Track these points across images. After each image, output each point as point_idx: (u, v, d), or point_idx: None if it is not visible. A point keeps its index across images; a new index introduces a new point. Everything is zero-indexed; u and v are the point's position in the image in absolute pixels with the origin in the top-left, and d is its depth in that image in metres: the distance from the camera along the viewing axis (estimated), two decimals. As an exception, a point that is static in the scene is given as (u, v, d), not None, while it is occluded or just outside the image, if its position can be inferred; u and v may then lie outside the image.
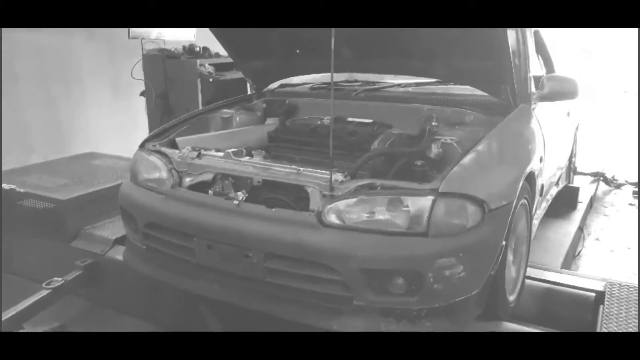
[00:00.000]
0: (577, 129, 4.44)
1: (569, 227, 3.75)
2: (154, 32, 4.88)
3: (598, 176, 5.34)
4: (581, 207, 4.24)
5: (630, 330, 2.15)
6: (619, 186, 5.52)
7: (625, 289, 2.47)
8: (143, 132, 4.91)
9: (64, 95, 4.93)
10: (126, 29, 4.62)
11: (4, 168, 3.82)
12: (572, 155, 4.33)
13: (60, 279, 2.79)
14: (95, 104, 5.11)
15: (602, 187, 5.47)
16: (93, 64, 5.07)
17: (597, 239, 4.14)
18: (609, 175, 5.60)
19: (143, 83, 4.84)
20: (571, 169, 4.46)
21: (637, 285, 2.49)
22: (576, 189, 4.33)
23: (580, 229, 3.95)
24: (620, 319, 2.23)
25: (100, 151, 4.26)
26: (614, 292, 2.43)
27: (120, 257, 2.72)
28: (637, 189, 5.33)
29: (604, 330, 2.14)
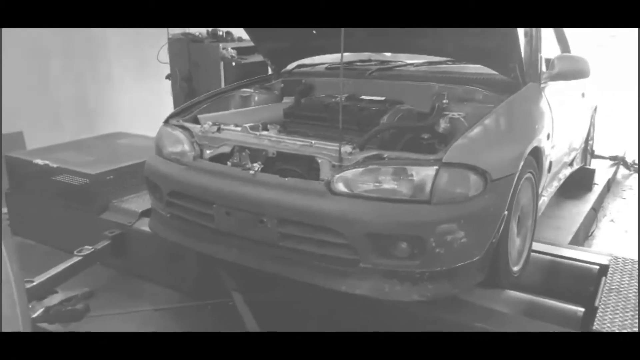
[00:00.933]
0: (594, 111, 4.45)
1: (582, 207, 3.80)
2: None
3: (618, 160, 5.32)
4: (597, 189, 4.27)
5: (630, 301, 2.22)
6: (638, 170, 5.49)
7: (630, 263, 2.53)
8: (168, 113, 5.10)
9: (92, 75, 5.13)
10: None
11: (35, 145, 4.03)
12: (588, 138, 4.35)
13: (90, 247, 2.98)
14: (121, 85, 5.30)
15: (623, 171, 5.45)
16: (120, 46, 5.24)
17: (612, 220, 4.17)
18: (629, 160, 5.58)
19: (168, 66, 5.00)
20: (587, 151, 4.48)
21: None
22: (592, 171, 4.35)
23: (594, 209, 3.98)
24: (621, 291, 2.30)
25: (127, 130, 4.46)
26: (617, 265, 2.50)
27: (145, 229, 2.90)
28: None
29: (603, 299, 2.23)
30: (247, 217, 2.15)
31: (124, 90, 5.29)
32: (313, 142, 2.18)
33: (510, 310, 2.23)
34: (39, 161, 3.51)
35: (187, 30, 5.17)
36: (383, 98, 2.68)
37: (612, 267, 2.48)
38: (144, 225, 2.98)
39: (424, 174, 1.94)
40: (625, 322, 2.06)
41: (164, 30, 4.97)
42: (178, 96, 5.03)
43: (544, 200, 2.93)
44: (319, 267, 2.07)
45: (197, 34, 5.07)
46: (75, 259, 2.88)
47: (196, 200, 2.32)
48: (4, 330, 1.45)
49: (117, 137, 4.24)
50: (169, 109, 5.09)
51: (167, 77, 5.09)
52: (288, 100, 3.02)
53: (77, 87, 5.01)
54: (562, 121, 2.91)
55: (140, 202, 3.31)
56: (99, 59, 5.16)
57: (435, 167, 1.94)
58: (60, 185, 3.41)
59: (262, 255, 2.19)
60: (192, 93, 4.95)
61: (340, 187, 2.01)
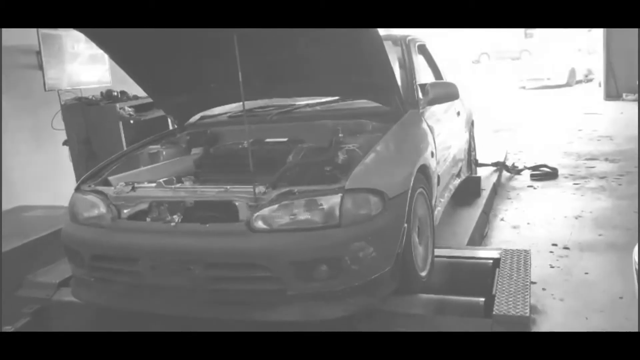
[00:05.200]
0: (472, 125, 5.02)
1: (474, 212, 4.27)
2: (68, 83, 5.01)
3: (499, 166, 5.97)
4: (485, 194, 4.79)
5: (520, 285, 2.57)
6: (519, 172, 6.18)
7: (516, 254, 2.92)
8: (70, 180, 5.00)
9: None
10: (41, 82, 4.73)
11: None
12: (470, 150, 4.89)
13: (10, 327, 2.89)
14: (15, 156, 5.07)
15: (505, 174, 6.12)
16: (11, 114, 5.04)
17: (502, 219, 4.68)
18: (509, 164, 6.28)
19: (64, 132, 4.93)
20: (471, 162, 5.02)
21: (525, 250, 2.95)
22: (478, 179, 4.89)
23: (485, 212, 4.47)
24: (512, 278, 2.66)
25: (30, 203, 4.33)
26: (507, 257, 2.88)
27: (66, 298, 2.87)
28: (535, 172, 5.99)
29: (499, 287, 2.57)
30: (173, 267, 2.26)
31: (18, 161, 5.09)
32: (228, 187, 2.35)
33: (423, 311, 2.49)
34: (-62, 246, 3.33)
35: (79, 92, 5.14)
36: (286, 139, 2.93)
37: (503, 259, 2.85)
38: (64, 296, 2.95)
39: (332, 202, 2.18)
40: (517, 304, 2.40)
41: (55, 96, 4.91)
42: (78, 161, 4.95)
43: (438, 210, 3.30)
44: (250, 303, 2.22)
45: (90, 97, 5.06)
46: (-6, 342, 2.78)
47: (120, 260, 2.39)
48: None
49: (20, 211, 4.12)
50: (70, 175, 5.01)
51: (65, 143, 5.01)
52: (196, 152, 3.16)
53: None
54: (442, 139, 3.32)
55: (56, 272, 3.23)
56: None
57: (340, 195, 2.19)
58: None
59: (194, 302, 2.29)
60: (92, 156, 4.90)
61: (260, 224, 2.19)
